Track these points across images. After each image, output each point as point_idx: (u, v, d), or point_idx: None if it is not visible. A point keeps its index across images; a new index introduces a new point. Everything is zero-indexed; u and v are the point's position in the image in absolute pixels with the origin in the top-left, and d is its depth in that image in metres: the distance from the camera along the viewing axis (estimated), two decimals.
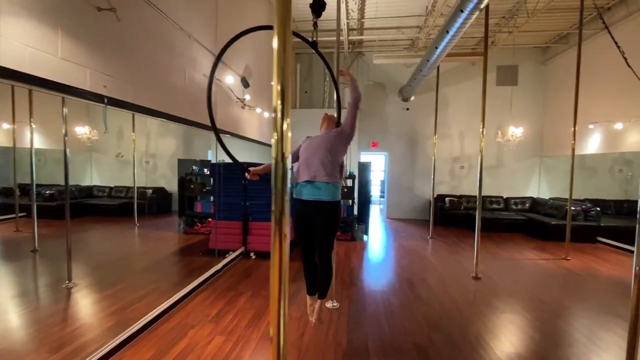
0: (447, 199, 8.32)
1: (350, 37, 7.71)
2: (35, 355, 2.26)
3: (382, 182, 11.58)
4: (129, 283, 3.62)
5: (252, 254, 4.98)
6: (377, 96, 9.11)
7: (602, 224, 6.32)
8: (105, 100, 2.30)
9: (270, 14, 6.50)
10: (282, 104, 0.85)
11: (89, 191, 4.48)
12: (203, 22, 3.77)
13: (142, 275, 3.93)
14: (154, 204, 5.30)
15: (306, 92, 9.16)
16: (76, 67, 2.11)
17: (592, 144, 6.88)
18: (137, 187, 4.78)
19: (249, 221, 5.02)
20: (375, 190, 12.97)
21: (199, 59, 3.69)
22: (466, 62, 8.71)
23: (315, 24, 2.12)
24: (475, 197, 7.45)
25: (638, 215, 1.91)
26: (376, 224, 8.48)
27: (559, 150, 7.83)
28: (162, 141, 5.52)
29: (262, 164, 2.33)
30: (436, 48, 5.37)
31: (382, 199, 11.55)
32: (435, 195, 8.33)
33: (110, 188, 4.74)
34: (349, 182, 6.62)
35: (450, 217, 7.99)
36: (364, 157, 9.13)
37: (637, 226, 1.92)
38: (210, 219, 5.20)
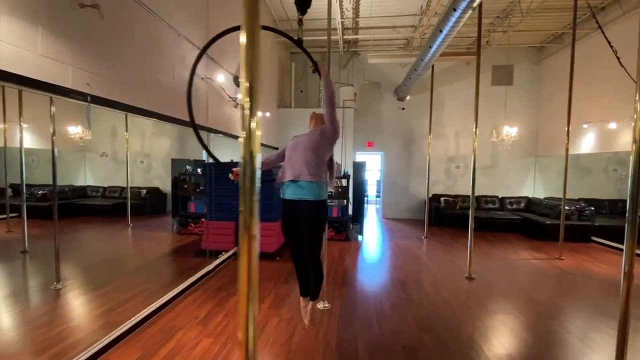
0: (442, 198, 8.31)
1: (345, 37, 7.68)
2: (19, 357, 2.22)
3: (378, 182, 11.58)
4: (119, 284, 3.57)
5: None
6: (372, 96, 9.09)
7: (596, 224, 6.33)
8: (89, 99, 2.26)
9: (264, 9, 6.46)
10: (251, 101, 0.82)
11: (82, 191, 4.43)
12: (193, 19, 3.72)
13: (132, 277, 3.89)
14: (148, 204, 5.25)
15: (301, 91, 9.13)
16: (57, 65, 2.07)
17: (587, 143, 6.89)
18: (132, 187, 4.73)
19: None
20: (371, 190, 12.98)
21: (188, 57, 3.65)
22: (461, 62, 8.71)
23: (300, 21, 2.09)
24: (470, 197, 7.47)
25: (627, 215, 1.90)
26: (372, 223, 8.46)
27: (554, 150, 7.84)
28: (156, 141, 5.47)
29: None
30: (430, 47, 5.35)
31: (378, 199, 11.53)
32: (430, 195, 8.33)
33: (104, 188, 4.69)
34: (344, 182, 6.60)
35: (446, 216, 7.98)
36: (360, 157, 9.10)
37: (626, 225, 1.91)
38: (203, 219, 5.16)
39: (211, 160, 4.75)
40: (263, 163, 2.33)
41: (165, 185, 5.66)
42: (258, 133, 0.84)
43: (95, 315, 2.93)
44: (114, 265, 4.09)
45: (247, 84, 0.81)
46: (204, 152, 4.66)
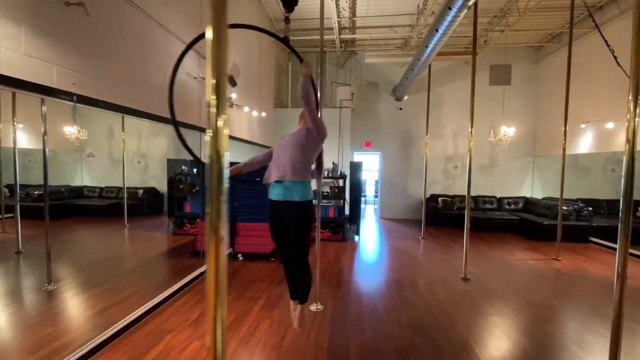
0: (440, 199, 8.27)
1: (341, 36, 7.64)
2: None
3: (377, 182, 11.55)
4: (111, 285, 3.54)
5: (239, 256, 4.91)
6: (370, 95, 9.06)
7: (594, 224, 6.30)
8: (74, 98, 2.22)
9: (260, 8, 6.43)
10: (217, 98, 0.79)
11: (79, 191, 4.40)
12: (185, 17, 3.69)
13: (125, 278, 3.86)
14: (144, 204, 5.22)
15: None
16: (41, 64, 2.03)
17: (585, 143, 6.86)
18: (129, 188, 4.71)
19: (236, 222, 4.95)
20: (370, 190, 12.94)
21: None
22: (459, 62, 8.67)
23: (287, 19, 2.06)
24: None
25: (620, 215, 1.87)
26: (370, 224, 8.42)
27: (552, 150, 7.80)
28: (153, 141, 5.45)
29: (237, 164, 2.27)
30: (426, 47, 5.32)
31: (376, 199, 11.50)
32: (428, 195, 8.30)
33: (101, 188, 4.66)
34: (340, 182, 6.56)
35: (443, 217, 7.94)
36: (358, 157, 9.07)
37: (619, 225, 1.88)
38: (199, 220, 5.13)
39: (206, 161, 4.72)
40: (250, 163, 2.30)
41: (162, 186, 5.63)
42: (225, 132, 0.81)
43: (84, 317, 2.90)
44: (108, 266, 4.06)
45: (213, 81, 0.78)
46: (201, 151, 4.63)
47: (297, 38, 7.46)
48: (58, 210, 3.89)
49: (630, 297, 3.67)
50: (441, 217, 7.97)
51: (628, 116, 1.81)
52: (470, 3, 3.86)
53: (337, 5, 6.37)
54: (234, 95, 4.76)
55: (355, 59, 8.90)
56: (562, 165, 5.16)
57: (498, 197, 8.38)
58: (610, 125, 6.06)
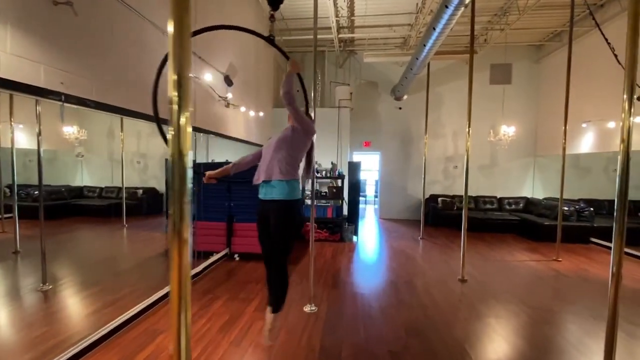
0: (439, 199, 8.22)
1: (340, 35, 7.61)
2: None
3: (377, 182, 11.50)
4: (105, 286, 3.53)
5: (236, 256, 4.89)
6: (369, 95, 9.02)
7: (595, 225, 6.22)
8: (62, 98, 2.21)
9: (257, 7, 6.40)
10: (179, 95, 0.76)
11: (79, 191, 4.40)
12: None
13: (120, 278, 3.85)
14: (144, 204, 5.21)
15: (298, 90, 9.03)
16: (28, 63, 2.02)
17: (586, 143, 6.78)
18: (128, 188, 4.70)
19: (233, 222, 4.93)
20: (370, 190, 12.89)
21: None
22: (459, 61, 8.61)
23: (272, 17, 2.03)
24: (468, 197, 7.36)
25: (615, 214, 1.82)
26: (370, 224, 8.38)
27: (553, 150, 7.72)
28: (152, 141, 5.44)
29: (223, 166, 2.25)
30: (424, 46, 5.28)
31: (376, 199, 11.45)
32: (428, 196, 8.25)
33: (101, 188, 4.66)
34: (339, 182, 6.53)
35: (443, 217, 7.89)
36: (357, 157, 9.03)
37: (613, 225, 1.83)
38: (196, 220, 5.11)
39: (204, 161, 4.71)
40: (239, 164, 2.28)
41: (162, 186, 5.63)
42: (188, 130, 0.78)
43: (78, 317, 2.89)
44: (104, 266, 4.05)
45: (175, 77, 0.76)
46: (196, 151, 4.61)
47: (296, 38, 7.44)
48: (58, 210, 3.89)
49: (630, 299, 3.61)
50: (441, 217, 7.91)
51: (622, 115, 1.77)
52: (467, 1, 3.82)
53: (336, 4, 6.33)
54: (229, 95, 4.74)
55: (355, 59, 8.86)
56: (562, 165, 5.11)
57: (498, 197, 8.31)
58: (611, 124, 5.99)
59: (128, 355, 2.42)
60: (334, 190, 6.30)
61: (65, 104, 2.32)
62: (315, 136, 2.31)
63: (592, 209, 6.33)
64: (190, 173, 0.78)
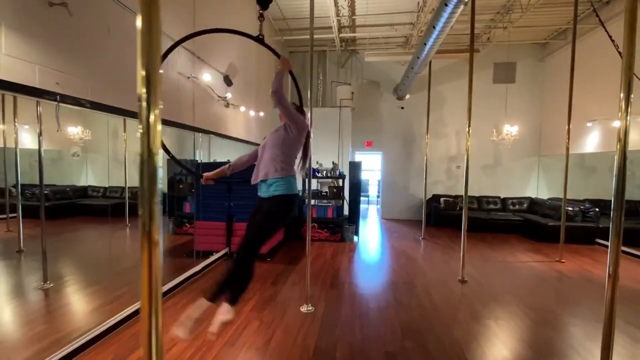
0: (442, 199, 8.15)
1: (341, 35, 7.58)
2: None
3: (379, 182, 11.46)
4: (105, 285, 3.56)
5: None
6: (371, 95, 8.98)
7: (600, 225, 6.12)
8: (58, 98, 2.22)
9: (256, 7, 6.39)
10: (148, 92, 0.75)
11: (83, 191, 4.45)
12: (178, 16, 3.68)
13: (120, 277, 3.87)
14: None
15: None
16: (23, 64, 2.03)
17: (591, 142, 6.67)
18: (131, 188, 4.74)
19: (233, 222, 4.93)
20: (373, 190, 12.84)
21: (173, 56, 3.60)
22: (462, 60, 8.53)
23: (261, 16, 2.03)
24: (471, 197, 7.29)
25: (612, 214, 1.79)
26: (371, 224, 8.35)
27: (558, 149, 7.62)
28: None
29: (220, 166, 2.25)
30: (425, 44, 5.24)
31: (379, 199, 11.41)
32: (430, 196, 8.19)
33: (105, 188, 4.71)
34: (340, 182, 6.50)
35: (446, 217, 7.82)
36: (359, 157, 9.00)
37: (610, 225, 1.80)
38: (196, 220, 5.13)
39: (205, 160, 4.72)
40: (235, 164, 2.27)
41: (165, 186, 5.66)
42: (158, 128, 0.77)
43: (77, 315, 2.91)
44: (105, 265, 4.09)
45: (144, 73, 0.74)
46: (195, 151, 4.62)
47: (295, 38, 7.43)
48: (63, 209, 3.93)
49: (629, 300, 3.54)
50: (443, 217, 7.85)
51: (620, 114, 1.73)
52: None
53: (337, 4, 6.31)
54: (229, 95, 4.74)
55: (356, 58, 8.83)
56: (566, 164, 5.03)
57: (502, 197, 8.22)
58: (617, 123, 5.86)
59: (123, 353, 2.43)
60: (335, 190, 6.28)
61: (62, 104, 2.33)
62: (311, 130, 2.29)
63: (597, 209, 6.23)
64: (160, 172, 0.77)
